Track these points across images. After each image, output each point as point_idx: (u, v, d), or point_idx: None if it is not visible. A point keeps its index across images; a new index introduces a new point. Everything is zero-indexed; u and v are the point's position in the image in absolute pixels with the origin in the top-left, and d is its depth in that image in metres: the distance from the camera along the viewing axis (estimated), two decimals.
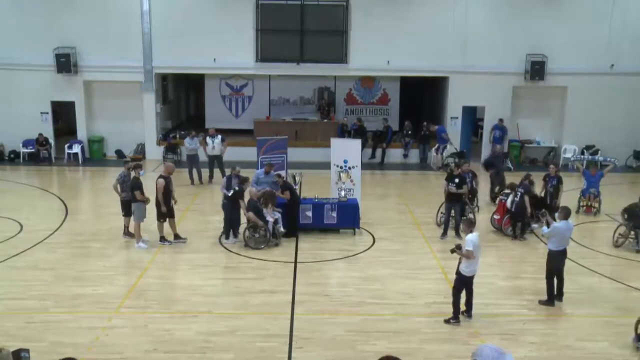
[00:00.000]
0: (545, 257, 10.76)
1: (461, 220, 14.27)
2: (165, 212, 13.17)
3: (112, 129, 22.45)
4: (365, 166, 17.99)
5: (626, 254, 13.16)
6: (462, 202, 14.14)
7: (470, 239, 9.59)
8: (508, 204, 14.23)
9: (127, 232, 13.63)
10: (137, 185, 13.08)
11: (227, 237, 13.52)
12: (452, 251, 9.71)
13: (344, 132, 22.09)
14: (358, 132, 21.68)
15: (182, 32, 21.27)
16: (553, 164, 16.39)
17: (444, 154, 21.63)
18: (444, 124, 22.77)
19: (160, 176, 13.24)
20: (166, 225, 13.34)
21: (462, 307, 9.87)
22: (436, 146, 21.86)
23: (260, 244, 13.18)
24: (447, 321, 9.78)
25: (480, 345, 6.11)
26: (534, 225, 14.29)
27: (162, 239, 13.30)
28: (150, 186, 13.80)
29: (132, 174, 13.45)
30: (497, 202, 15.34)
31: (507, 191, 14.65)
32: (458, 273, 9.78)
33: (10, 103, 21.56)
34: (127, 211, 13.50)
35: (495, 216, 14.73)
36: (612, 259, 12.94)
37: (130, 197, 13.11)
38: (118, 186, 13.49)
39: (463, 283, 9.75)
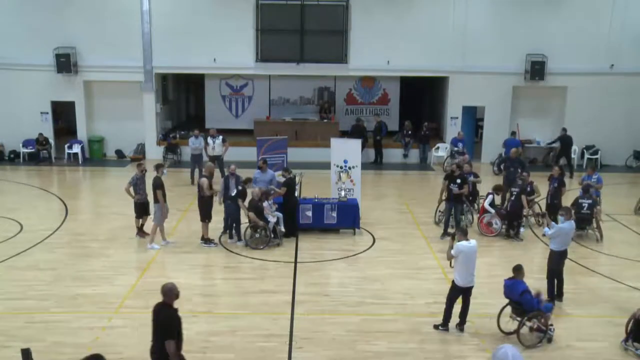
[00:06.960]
0: (544, 257, 10.78)
1: (460, 219, 14.32)
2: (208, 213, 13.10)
3: (112, 129, 22.45)
4: (365, 166, 17.96)
5: (626, 254, 13.15)
6: (463, 203, 14.16)
7: (457, 245, 9.38)
8: (486, 204, 14.11)
9: (140, 232, 13.56)
10: (158, 184, 12.81)
11: (230, 237, 13.48)
12: (452, 236, 9.91)
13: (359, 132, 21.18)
14: (357, 132, 21.55)
15: (182, 32, 21.28)
16: (557, 166, 15.94)
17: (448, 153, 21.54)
18: (444, 124, 22.80)
19: (203, 176, 13.24)
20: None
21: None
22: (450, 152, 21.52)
23: (261, 244, 13.19)
24: (436, 327, 9.60)
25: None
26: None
27: (207, 240, 13.19)
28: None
29: (155, 173, 13.07)
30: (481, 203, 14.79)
31: (489, 192, 14.37)
32: (453, 280, 9.63)
33: (10, 103, 21.55)
34: (140, 213, 13.46)
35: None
36: (612, 259, 12.93)
37: (145, 197, 12.99)
38: (131, 189, 13.29)
39: (453, 291, 9.51)
